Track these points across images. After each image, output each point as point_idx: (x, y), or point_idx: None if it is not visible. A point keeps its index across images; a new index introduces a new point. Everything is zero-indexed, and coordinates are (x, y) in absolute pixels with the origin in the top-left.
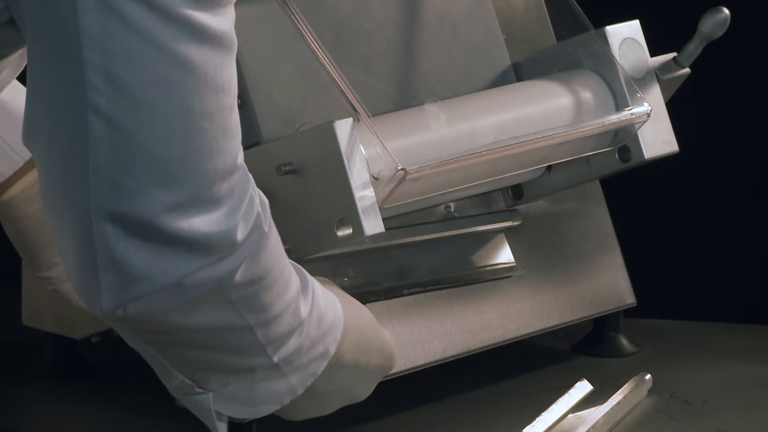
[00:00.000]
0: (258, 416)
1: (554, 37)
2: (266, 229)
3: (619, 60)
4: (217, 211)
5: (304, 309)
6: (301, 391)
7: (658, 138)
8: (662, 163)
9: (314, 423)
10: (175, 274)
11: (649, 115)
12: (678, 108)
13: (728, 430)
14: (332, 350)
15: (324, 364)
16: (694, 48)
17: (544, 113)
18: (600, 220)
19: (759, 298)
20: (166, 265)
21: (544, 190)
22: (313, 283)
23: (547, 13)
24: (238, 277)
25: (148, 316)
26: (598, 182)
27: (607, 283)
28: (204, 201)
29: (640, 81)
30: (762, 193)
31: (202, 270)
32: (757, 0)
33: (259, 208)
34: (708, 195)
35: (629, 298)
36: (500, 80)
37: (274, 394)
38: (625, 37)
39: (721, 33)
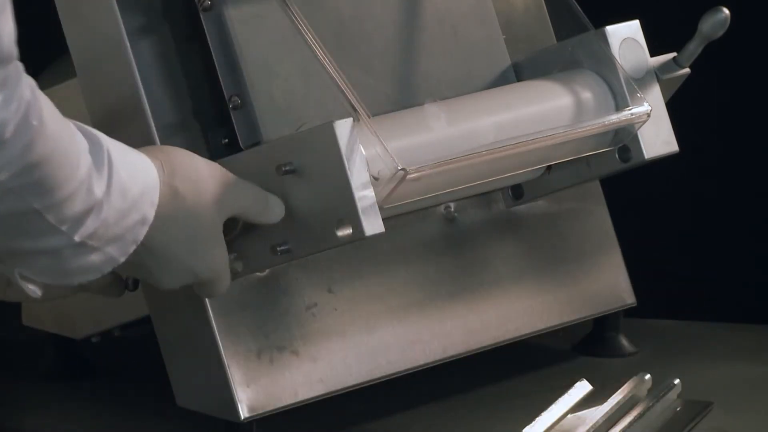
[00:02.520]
0: (74, 283)
1: (554, 37)
2: (36, 123)
3: (619, 60)
4: None
5: (98, 187)
6: (122, 259)
7: (658, 138)
8: (662, 163)
9: (314, 423)
10: None
11: (649, 115)
12: (678, 108)
13: (728, 430)
14: (150, 214)
15: (144, 230)
16: (694, 48)
17: (544, 113)
18: (600, 220)
19: (759, 298)
20: None
21: (544, 190)
22: (112, 155)
23: (547, 13)
24: (12, 169)
25: None
26: (598, 182)
27: (607, 283)
28: None
29: (640, 81)
30: (762, 193)
31: None
32: (757, 0)
33: (30, 99)
34: (708, 195)
35: (629, 298)
36: (500, 80)
37: (91, 266)
38: (625, 37)
39: (721, 33)
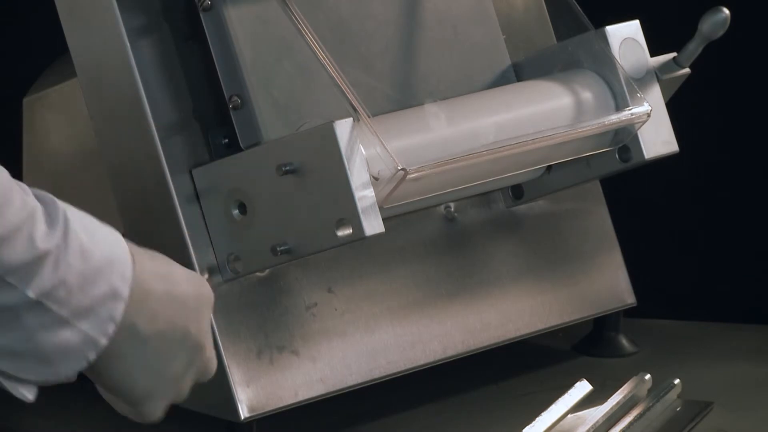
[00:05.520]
0: (62, 379)
1: (554, 37)
2: None
3: (619, 60)
4: None
5: (49, 238)
6: (104, 342)
7: (658, 138)
8: (662, 163)
9: (314, 423)
10: None
11: (649, 115)
12: (678, 108)
13: (728, 430)
14: (122, 289)
15: (119, 306)
16: (694, 48)
17: (544, 113)
18: (600, 220)
19: (759, 298)
20: None
21: (544, 190)
22: (69, 214)
23: (547, 13)
24: None
25: None
26: (598, 182)
27: (607, 283)
28: None
29: (640, 81)
30: (762, 192)
31: None
32: (757, 0)
33: None
34: (708, 195)
35: (629, 298)
36: (500, 80)
37: (67, 347)
38: (625, 37)
39: (721, 33)
